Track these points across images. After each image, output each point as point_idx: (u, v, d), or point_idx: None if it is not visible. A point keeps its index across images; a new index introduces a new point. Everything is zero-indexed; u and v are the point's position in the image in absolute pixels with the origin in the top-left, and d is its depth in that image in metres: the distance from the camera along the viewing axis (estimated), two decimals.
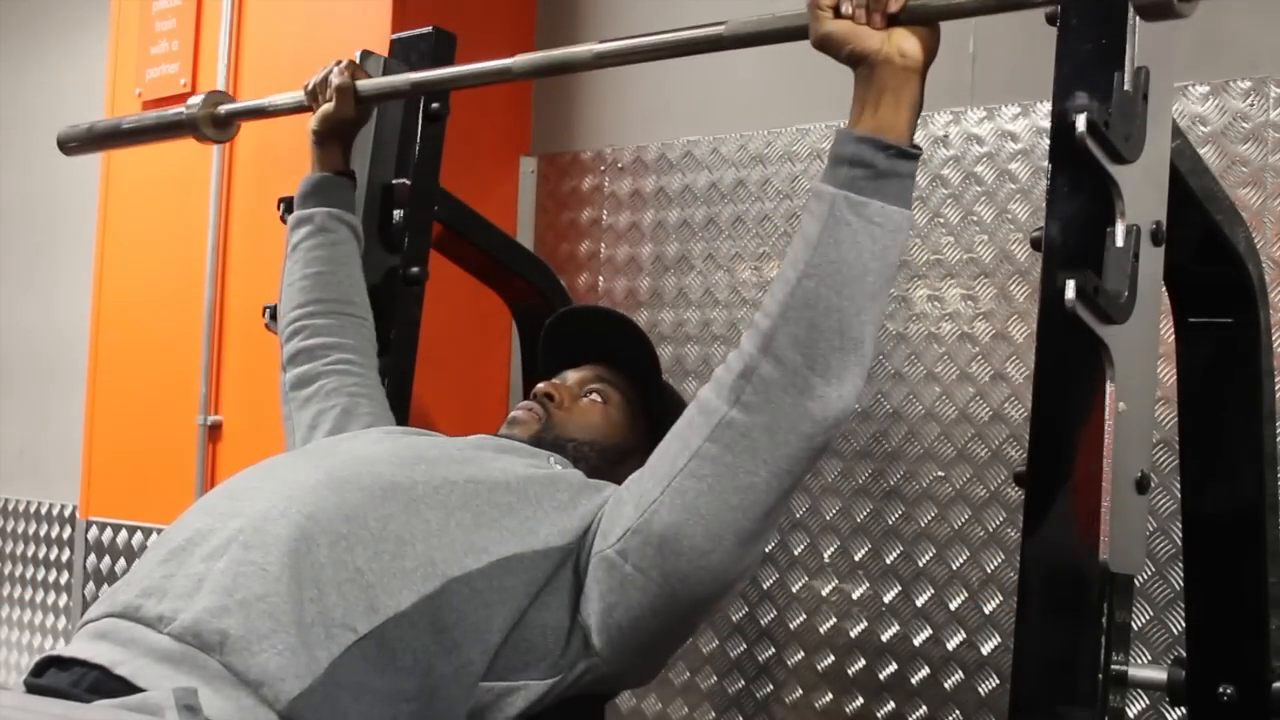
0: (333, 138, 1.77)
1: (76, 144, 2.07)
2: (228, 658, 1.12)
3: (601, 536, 1.28)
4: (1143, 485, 1.16)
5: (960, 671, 2.05)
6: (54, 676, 1.17)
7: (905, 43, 1.22)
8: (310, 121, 1.77)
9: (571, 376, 1.65)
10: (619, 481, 1.58)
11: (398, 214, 1.98)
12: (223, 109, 1.91)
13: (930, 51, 1.25)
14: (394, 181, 1.98)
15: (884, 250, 1.21)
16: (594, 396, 1.61)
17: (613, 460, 1.58)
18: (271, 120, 2.59)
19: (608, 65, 1.49)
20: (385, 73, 1.99)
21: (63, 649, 1.20)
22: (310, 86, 1.77)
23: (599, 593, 1.26)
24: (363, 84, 1.74)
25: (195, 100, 1.93)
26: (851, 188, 1.20)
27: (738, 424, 1.20)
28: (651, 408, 1.64)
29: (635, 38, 1.51)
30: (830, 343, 1.19)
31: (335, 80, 1.73)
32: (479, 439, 1.52)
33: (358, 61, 1.99)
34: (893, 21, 1.22)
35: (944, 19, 1.25)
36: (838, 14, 1.24)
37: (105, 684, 1.12)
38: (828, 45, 1.25)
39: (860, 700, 2.15)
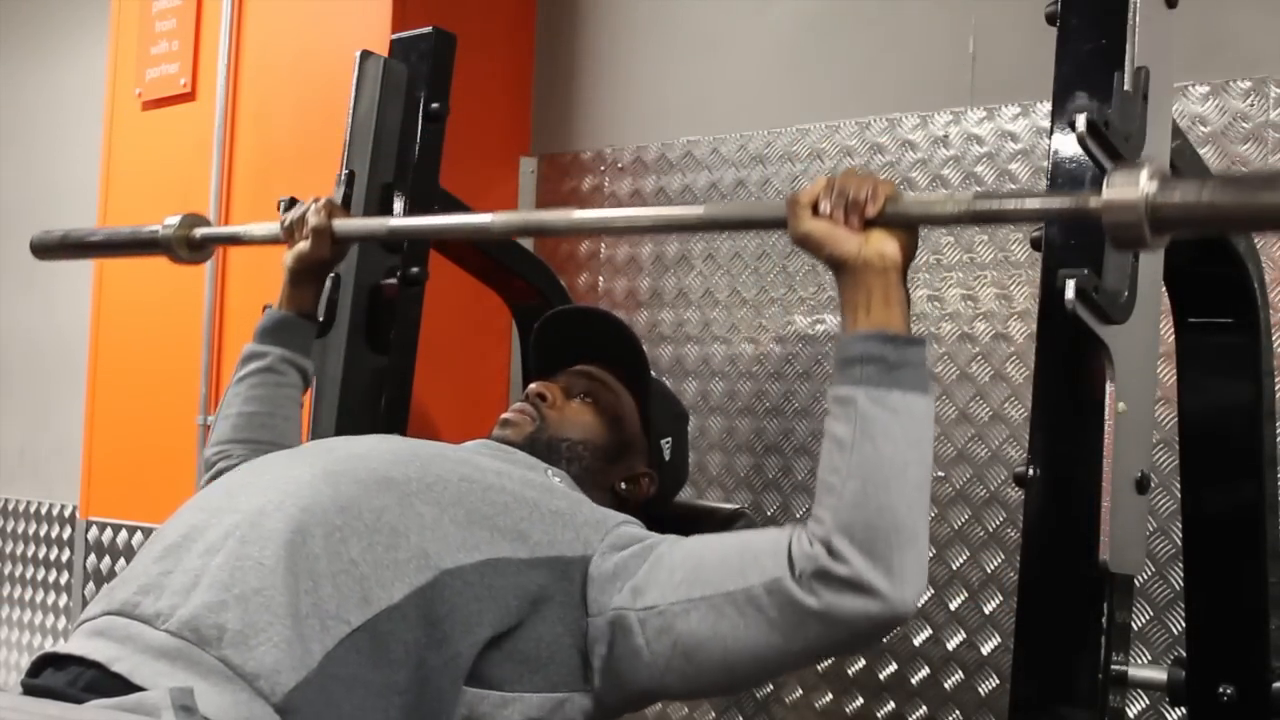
0: (306, 278, 1.72)
1: (48, 251, 2.06)
2: (225, 652, 1.12)
3: (632, 592, 1.27)
4: (1143, 485, 1.16)
5: (960, 671, 2.05)
6: (50, 676, 1.17)
7: (884, 245, 1.21)
8: (285, 258, 1.72)
9: (563, 378, 1.66)
10: (613, 479, 1.58)
11: (398, 214, 1.98)
12: (198, 232, 1.87)
13: (909, 252, 1.24)
14: (394, 181, 1.99)
15: (918, 440, 1.20)
16: (586, 396, 1.62)
17: (607, 459, 1.58)
18: (272, 121, 2.60)
19: (583, 233, 1.48)
20: (385, 73, 2.00)
21: (60, 646, 1.20)
22: (287, 222, 1.71)
23: (608, 644, 1.27)
24: (339, 225, 1.69)
25: (172, 220, 1.88)
26: (869, 383, 1.19)
27: (797, 601, 1.19)
28: (643, 405, 1.64)
29: (613, 210, 1.51)
30: (889, 541, 1.18)
31: (312, 221, 1.68)
32: (477, 444, 1.53)
33: (358, 58, 2.00)
34: (870, 224, 1.21)
35: (922, 225, 1.24)
36: (816, 212, 1.23)
37: (102, 682, 1.12)
38: (807, 244, 1.25)
39: (860, 700, 2.15)
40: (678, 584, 1.25)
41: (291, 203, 1.85)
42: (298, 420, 1.75)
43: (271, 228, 1.75)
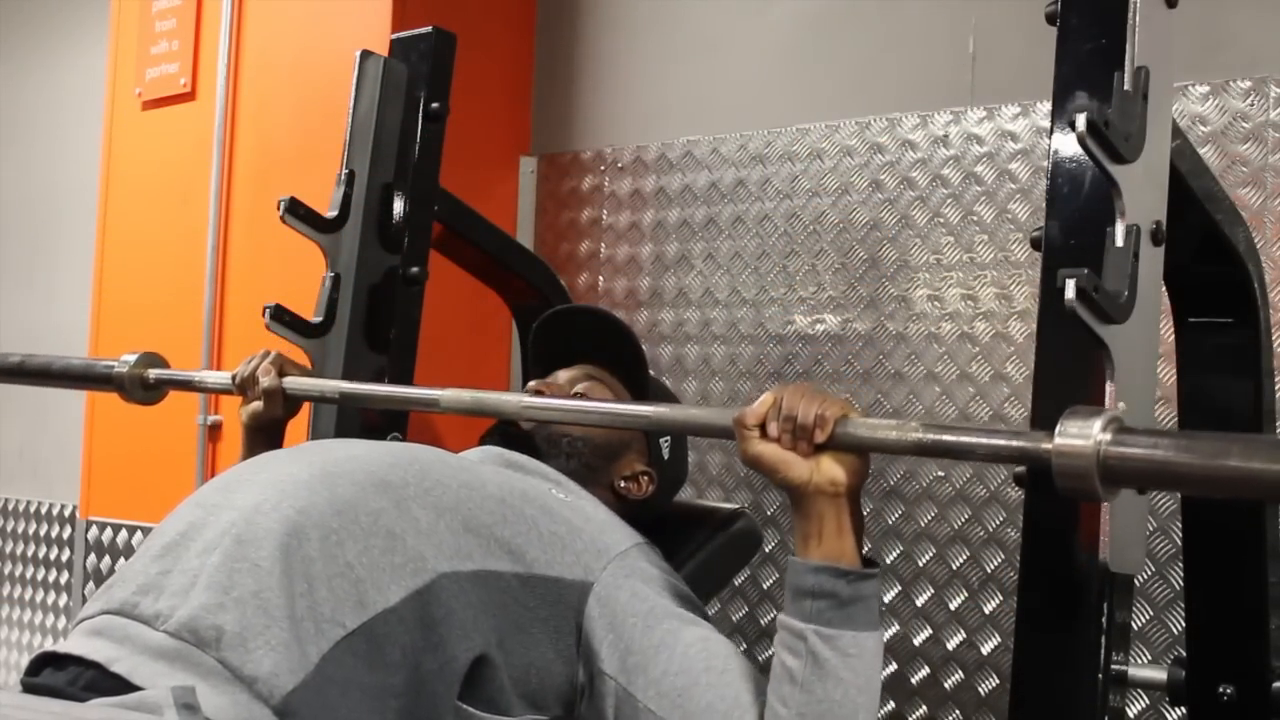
0: (262, 436, 1.71)
1: (2, 374, 2.05)
2: (223, 654, 1.12)
3: (622, 661, 1.27)
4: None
5: (960, 671, 2.05)
6: (50, 675, 1.16)
7: (833, 470, 1.21)
8: (240, 413, 1.71)
9: (563, 375, 1.66)
10: (613, 478, 1.58)
11: (398, 214, 1.98)
12: (152, 374, 1.86)
13: (860, 476, 1.23)
14: (394, 181, 1.98)
15: (867, 681, 1.21)
16: (584, 394, 1.62)
17: (605, 456, 1.58)
18: (272, 121, 2.60)
19: (531, 419, 1.49)
20: (385, 73, 2.00)
21: (59, 645, 1.20)
22: (238, 379, 1.70)
23: (589, 689, 1.28)
24: (290, 384, 1.68)
25: (128, 358, 1.87)
26: (819, 620, 1.19)
27: None
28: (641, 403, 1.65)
29: (564, 401, 1.51)
30: None
31: (264, 382, 1.67)
32: (482, 451, 1.53)
33: (358, 58, 1.99)
34: (820, 449, 1.21)
35: (872, 450, 1.23)
36: (764, 434, 1.22)
37: (101, 682, 1.12)
38: (757, 466, 1.24)
39: None
40: (663, 693, 1.25)
41: (292, 203, 1.85)
42: None
43: (224, 378, 1.75)
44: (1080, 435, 1.01)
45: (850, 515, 1.23)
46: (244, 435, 1.72)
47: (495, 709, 1.23)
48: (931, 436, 1.15)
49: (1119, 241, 1.12)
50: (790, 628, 1.21)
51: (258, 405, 1.69)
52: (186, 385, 1.91)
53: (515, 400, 1.47)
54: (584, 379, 1.65)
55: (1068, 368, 1.17)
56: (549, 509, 1.36)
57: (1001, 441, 1.12)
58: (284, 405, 1.69)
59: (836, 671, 1.19)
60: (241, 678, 1.10)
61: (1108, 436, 1.00)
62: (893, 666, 2.12)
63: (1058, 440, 1.02)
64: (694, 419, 1.40)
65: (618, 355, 1.67)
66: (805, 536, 1.23)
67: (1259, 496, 1.36)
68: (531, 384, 1.63)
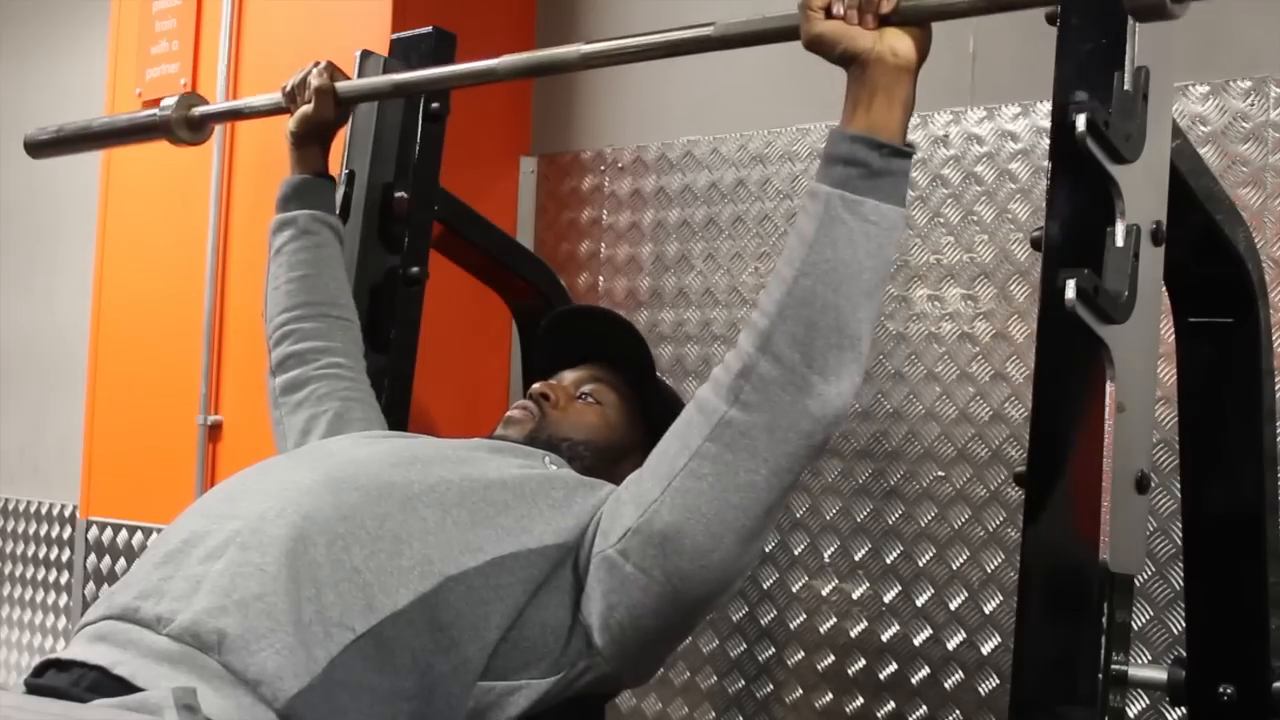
0: (311, 139, 1.75)
1: (44, 146, 2.03)
2: (226, 657, 1.12)
3: (602, 536, 1.28)
4: (1143, 485, 1.16)
5: (960, 671, 2.05)
6: (54, 677, 1.17)
7: (898, 42, 1.22)
8: (288, 123, 1.75)
9: (568, 377, 1.65)
10: (616, 481, 1.58)
11: (398, 214, 1.98)
12: (197, 111, 1.87)
13: (923, 51, 1.25)
14: (394, 181, 1.98)
15: (879, 248, 1.21)
16: (589, 396, 1.62)
17: (609, 460, 1.58)
18: (271, 121, 2.60)
19: (595, 66, 1.47)
20: (385, 73, 2.00)
21: (62, 652, 1.20)
22: (288, 88, 1.74)
23: (600, 592, 1.26)
24: (342, 85, 1.72)
25: (169, 102, 1.89)
26: (846, 186, 1.20)
27: (737, 423, 1.21)
28: (647, 407, 1.64)
29: (623, 38, 1.51)
30: (828, 340, 1.20)
31: (314, 81, 1.70)
32: (474, 441, 1.53)
33: (358, 58, 1.99)
34: (884, 22, 1.22)
35: (937, 19, 1.24)
36: (829, 14, 1.23)
37: (104, 684, 1.12)
38: (819, 46, 1.24)
39: (860, 700, 2.15)
40: (637, 499, 1.27)
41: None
42: (344, 279, 1.78)
43: (273, 97, 1.77)
44: None
45: (904, 91, 1.23)
46: (291, 146, 1.76)
47: (498, 675, 1.23)
48: None
49: (1119, 241, 1.12)
50: (814, 192, 1.22)
51: (308, 108, 1.72)
52: (234, 114, 1.93)
53: (573, 50, 1.45)
54: (590, 380, 1.64)
55: (1068, 368, 1.17)
56: (547, 479, 1.38)
57: None
58: (334, 107, 1.70)
59: (850, 234, 1.19)
60: (245, 680, 1.11)
61: None
62: (893, 666, 2.12)
63: None
64: (757, 26, 1.37)
65: (624, 356, 1.66)
66: (854, 104, 1.23)
67: None
68: (536, 386, 1.63)
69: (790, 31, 1.28)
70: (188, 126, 1.88)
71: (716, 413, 1.22)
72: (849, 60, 1.23)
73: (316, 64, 1.73)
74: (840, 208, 1.19)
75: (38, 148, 2.02)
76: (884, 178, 1.20)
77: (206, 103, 1.91)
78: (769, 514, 1.25)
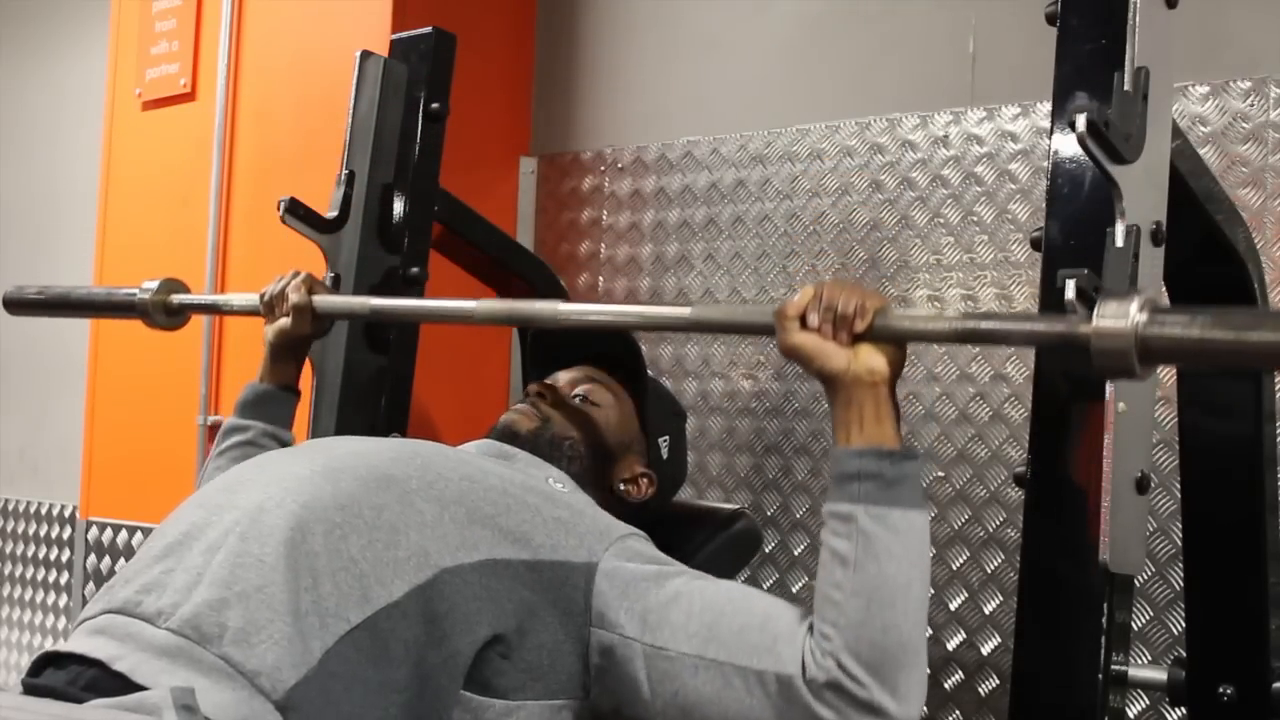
0: (287, 353, 1.71)
1: (23, 305, 2.00)
2: (226, 650, 1.12)
3: (643, 622, 1.26)
4: (1143, 485, 1.16)
5: (960, 671, 2.05)
6: (51, 675, 1.16)
7: (872, 360, 1.21)
8: (266, 332, 1.71)
9: (563, 378, 1.66)
10: (614, 480, 1.58)
11: (398, 214, 1.98)
12: (175, 299, 1.85)
13: (897, 367, 1.23)
14: (394, 181, 1.99)
15: (919, 556, 1.21)
16: (584, 397, 1.62)
17: (605, 459, 1.59)
18: (272, 121, 2.60)
19: (567, 326, 1.45)
20: (385, 73, 2.00)
21: (61, 645, 1.20)
22: (266, 296, 1.70)
23: (610, 662, 1.27)
24: (320, 302, 1.67)
25: (150, 285, 1.85)
26: (869, 500, 1.20)
27: (808, 706, 1.19)
28: (640, 405, 1.65)
29: (599, 304, 1.50)
30: (896, 661, 1.21)
31: (293, 298, 1.66)
32: (479, 445, 1.53)
33: (358, 58, 1.99)
34: (858, 339, 1.21)
35: (910, 340, 1.23)
36: (804, 324, 1.23)
37: (102, 681, 1.12)
38: (795, 357, 1.24)
39: None
40: (691, 635, 1.25)
41: (292, 204, 1.85)
42: None
43: (251, 299, 1.73)
44: (1118, 316, 1.02)
45: (887, 405, 1.22)
46: (267, 354, 1.71)
47: (498, 693, 1.23)
48: (970, 324, 1.16)
49: (1119, 242, 1.12)
50: (838, 513, 1.21)
51: (285, 322, 1.68)
52: (211, 309, 1.88)
53: (549, 308, 1.45)
54: (585, 380, 1.65)
55: (1068, 368, 1.17)
56: (550, 496, 1.37)
57: (1040, 327, 1.13)
58: (312, 322, 1.68)
59: (889, 548, 1.19)
60: (244, 673, 1.11)
61: (1144, 316, 1.02)
62: None
63: (1097, 322, 1.03)
64: (734, 317, 1.40)
65: (617, 356, 1.67)
66: (845, 425, 1.23)
67: None
68: (531, 386, 1.63)
69: (767, 327, 1.26)
70: (165, 312, 1.85)
71: (797, 676, 1.19)
72: (825, 378, 1.23)
73: (296, 274, 1.70)
74: (870, 522, 1.19)
75: (16, 306, 2.00)
76: (900, 484, 1.20)
77: (188, 290, 1.87)
78: None
